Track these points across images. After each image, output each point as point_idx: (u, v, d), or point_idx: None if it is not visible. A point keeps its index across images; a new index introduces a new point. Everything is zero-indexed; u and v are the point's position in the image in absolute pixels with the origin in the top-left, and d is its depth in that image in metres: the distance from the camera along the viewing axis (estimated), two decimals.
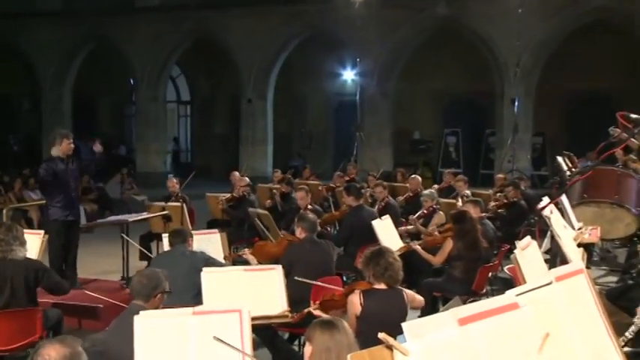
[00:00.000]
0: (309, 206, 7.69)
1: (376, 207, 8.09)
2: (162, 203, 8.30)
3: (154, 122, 18.97)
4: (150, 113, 18.93)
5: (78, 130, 17.04)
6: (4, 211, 9.88)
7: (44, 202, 7.39)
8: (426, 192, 8.18)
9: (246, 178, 9.54)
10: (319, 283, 4.64)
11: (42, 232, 6.09)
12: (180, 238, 5.17)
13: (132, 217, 7.33)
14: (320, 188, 9.61)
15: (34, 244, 5.65)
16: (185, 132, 23.35)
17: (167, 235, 5.45)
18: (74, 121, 19.66)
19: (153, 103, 18.95)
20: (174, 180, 9.11)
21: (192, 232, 5.89)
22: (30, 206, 11.38)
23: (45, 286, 4.76)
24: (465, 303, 3.61)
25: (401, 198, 9.18)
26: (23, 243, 4.70)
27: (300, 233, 5.41)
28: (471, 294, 5.70)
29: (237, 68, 17.99)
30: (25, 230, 4.98)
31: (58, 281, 4.87)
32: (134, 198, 13.77)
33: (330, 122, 20.83)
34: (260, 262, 5.37)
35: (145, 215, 7.74)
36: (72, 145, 6.93)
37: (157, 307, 3.56)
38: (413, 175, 9.93)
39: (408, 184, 9.69)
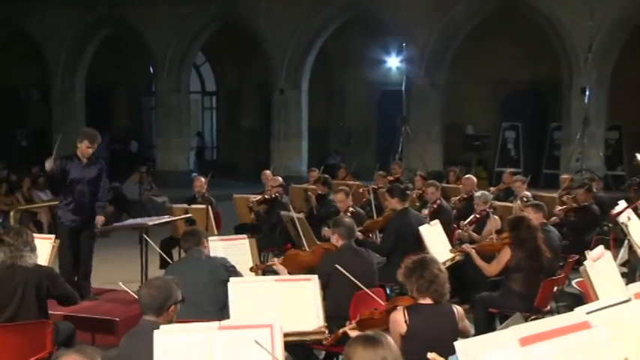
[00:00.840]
0: (351, 209, 7.68)
1: (426, 210, 8.04)
2: (185, 205, 8.39)
3: (175, 115, 19.22)
4: (171, 105, 19.19)
5: (92, 124, 17.38)
6: (12, 214, 10.13)
7: (55, 203, 7.56)
8: (477, 194, 8.10)
9: (279, 178, 9.59)
10: (365, 289, 4.61)
11: (52, 236, 6.20)
12: (193, 240, 5.16)
13: (151, 221, 7.42)
14: (362, 190, 9.59)
15: (43, 249, 5.74)
16: (210, 126, 23.59)
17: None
18: (87, 114, 20.04)
19: (174, 94, 19.20)
20: (202, 179, 9.19)
21: (218, 237, 5.95)
22: (39, 208, 11.62)
23: (53, 295, 4.85)
24: (526, 321, 3.55)
25: (455, 199, 9.11)
26: (34, 249, 4.80)
27: (336, 240, 5.41)
28: (534, 311, 5.61)
29: (268, 55, 18.10)
30: (34, 234, 5.07)
31: (66, 290, 4.95)
32: (154, 199, 13.97)
33: (372, 115, 20.80)
34: (291, 273, 5.38)
35: (166, 218, 7.83)
36: (90, 150, 7.05)
37: (170, 321, 3.58)
38: (467, 175, 9.83)
39: (460, 186, 9.60)
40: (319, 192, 9.31)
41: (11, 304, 4.63)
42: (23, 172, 14.49)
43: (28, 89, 22.07)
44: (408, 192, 7.60)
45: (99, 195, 7.20)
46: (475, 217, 7.66)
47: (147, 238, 6.85)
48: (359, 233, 6.68)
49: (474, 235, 7.37)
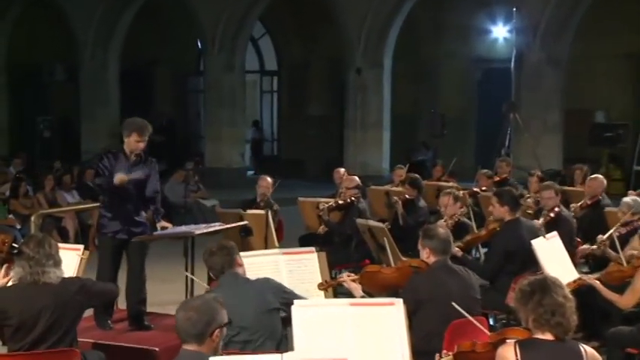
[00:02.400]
0: (456, 218, 7.60)
1: (541, 220, 7.88)
2: (240, 210, 8.48)
3: (228, 100, 19.50)
4: (223, 87, 19.48)
5: (127, 109, 17.83)
6: (33, 219, 10.43)
7: (85, 206, 7.75)
8: (626, 199, 7.85)
9: (355, 178, 9.56)
10: (467, 315, 4.56)
11: (81, 247, 6.33)
12: (223, 261, 4.97)
13: (199, 229, 7.50)
14: (462, 193, 9.49)
15: (70, 262, 5.84)
16: (270, 113, 23.82)
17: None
18: (122, 98, 20.53)
19: (227, 73, 19.48)
20: (269, 179, 9.23)
21: (279, 250, 5.98)
22: (65, 212, 11.95)
23: (92, 304, 4.98)
24: None
25: (575, 205, 8.89)
26: (58, 262, 4.91)
27: (427, 256, 5.36)
28: None
29: (342, 25, 18.14)
30: (59, 245, 5.18)
31: (102, 293, 5.11)
32: (201, 203, 14.18)
33: (472, 99, 20.57)
34: (368, 295, 5.36)
35: (216, 226, 7.91)
36: (141, 145, 7.14)
37: (215, 349, 3.61)
38: (594, 175, 9.58)
39: (585, 188, 9.38)
40: (406, 196, 9.24)
41: (35, 329, 4.75)
42: (45, 169, 14.95)
43: (52, 67, 22.55)
44: (522, 201, 7.47)
45: (152, 198, 7.30)
46: (619, 232, 7.40)
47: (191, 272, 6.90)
48: (457, 249, 6.60)
49: (612, 253, 7.14)
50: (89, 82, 20.45)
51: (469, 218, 8.27)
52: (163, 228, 7.34)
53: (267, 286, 4.98)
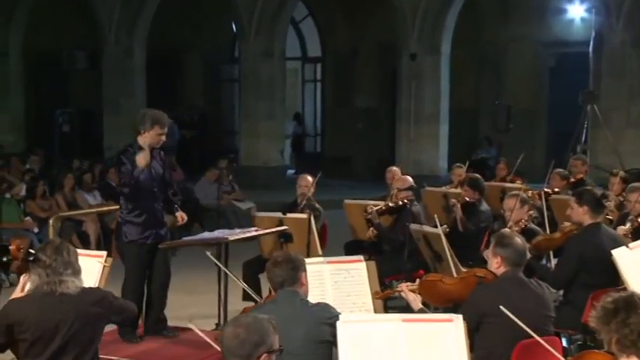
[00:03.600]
0: (522, 224, 7.54)
1: (626, 226, 7.77)
2: (279, 214, 8.51)
3: (266, 90, 19.57)
4: (260, 76, 19.54)
5: (155, 101, 17.96)
6: (51, 222, 10.59)
7: (109, 209, 7.85)
8: None
9: (408, 178, 9.54)
10: (536, 337, 4.52)
11: (103, 253, 6.39)
12: (286, 276, 4.97)
13: (233, 235, 7.56)
14: (530, 193, 9.41)
15: (91, 271, 5.94)
16: (313, 105, 23.84)
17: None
18: (149, 88, 20.66)
19: (265, 61, 19.53)
20: (309, 178, 9.26)
21: (324, 259, 5.98)
22: (86, 215, 12.10)
23: (112, 319, 5.08)
24: None
25: None
26: (77, 271, 4.97)
27: (496, 265, 5.32)
28: None
29: (394, 5, 18.10)
30: (79, 251, 5.24)
31: (123, 310, 5.17)
32: (236, 205, 14.25)
33: (543, 89, 20.39)
34: (427, 307, 5.35)
35: (252, 232, 7.97)
36: (163, 138, 7.28)
37: None
38: None
39: None
40: (466, 198, 9.21)
41: (52, 343, 4.82)
42: (64, 167, 15.15)
43: (71, 55, 22.72)
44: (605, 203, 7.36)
45: (170, 184, 7.49)
46: None
47: (216, 263, 6.94)
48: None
49: None
50: (112, 71, 20.54)
51: (539, 225, 8.19)
52: (182, 218, 7.55)
53: (327, 315, 4.92)
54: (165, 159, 7.56)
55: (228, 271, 7.02)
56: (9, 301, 5.00)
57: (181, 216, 7.63)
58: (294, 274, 4.98)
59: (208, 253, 6.65)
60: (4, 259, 5.33)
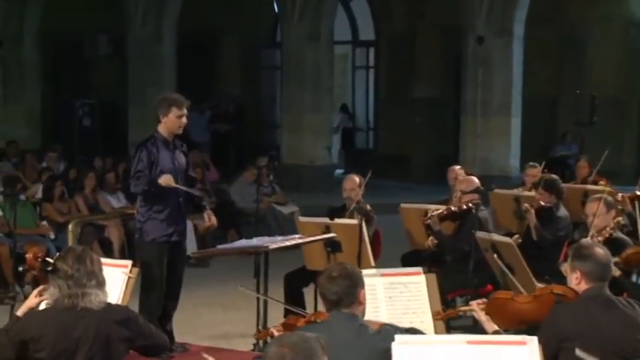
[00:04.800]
0: (608, 233, 7.45)
1: None
2: (326, 220, 8.51)
3: (311, 78, 19.59)
4: (305, 63, 19.58)
5: (186, 92, 18.00)
6: (70, 227, 10.72)
7: (132, 211, 7.95)
8: None
9: (474, 179, 9.49)
10: None
11: (128, 263, 6.40)
12: (342, 294, 4.82)
13: (274, 243, 7.57)
14: (620, 197, 9.30)
15: (113, 282, 5.93)
16: (364, 95, 23.85)
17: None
18: (180, 77, 20.77)
19: (310, 45, 19.54)
20: (357, 179, 9.23)
21: (377, 270, 5.97)
22: (109, 219, 12.20)
23: (137, 347, 5.09)
24: None
25: None
26: (101, 282, 5.00)
27: (577, 282, 5.27)
28: None
29: None
30: (102, 260, 5.27)
31: (153, 337, 5.19)
32: (277, 209, 14.28)
33: (634, 76, 20.17)
34: (499, 327, 5.33)
35: (295, 239, 7.97)
36: (184, 120, 7.43)
37: None
38: None
39: None
40: (542, 203, 9.15)
41: None
42: (85, 165, 15.27)
43: (94, 39, 22.96)
44: None
45: (195, 179, 7.65)
46: None
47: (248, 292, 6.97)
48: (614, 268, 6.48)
49: None
50: (139, 58, 20.72)
51: (628, 234, 8.09)
52: (210, 218, 7.72)
53: (390, 345, 4.66)
54: (186, 151, 7.77)
55: (267, 297, 7.05)
56: (25, 313, 5.06)
57: (209, 216, 7.73)
58: (353, 291, 4.84)
59: (242, 288, 6.70)
60: (20, 268, 5.38)
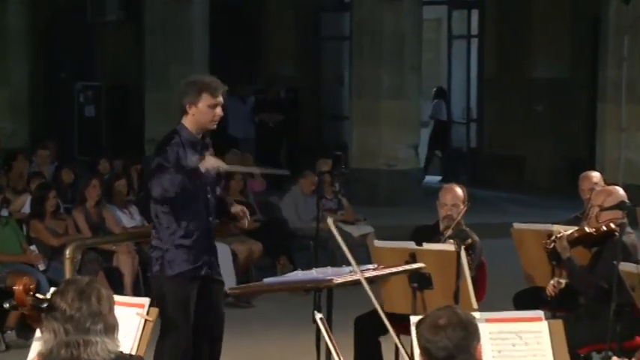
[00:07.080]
0: None
1: None
2: (411, 244, 8.51)
3: (391, 53, 19.60)
4: (382, 33, 19.58)
5: (221, 71, 18.13)
6: (67, 253, 10.75)
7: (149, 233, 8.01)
8: None
9: (618, 190, 9.45)
10: None
11: (144, 301, 6.53)
12: (459, 340, 4.82)
13: (340, 276, 7.59)
14: None
15: (127, 327, 6.06)
16: (465, 76, 23.82)
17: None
18: (214, 52, 20.86)
19: (389, 5, 19.51)
20: (458, 190, 9.18)
21: (480, 314, 6.00)
22: (118, 243, 12.28)
23: None
24: None
25: None
26: (111, 327, 5.00)
27: None
28: None
29: None
30: (112, 296, 5.35)
31: None
32: (344, 230, 14.28)
33: None
34: None
35: (369, 270, 7.99)
36: (219, 111, 7.42)
37: None
38: None
39: None
40: None
41: None
42: (88, 169, 15.40)
43: (100, 3, 23.11)
44: None
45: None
46: None
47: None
48: None
49: None
50: (159, 27, 20.71)
51: None
52: (244, 213, 7.85)
53: None
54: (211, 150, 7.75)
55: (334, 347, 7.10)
56: None
57: (242, 211, 7.74)
58: (467, 345, 4.85)
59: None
60: (6, 305, 5.33)
